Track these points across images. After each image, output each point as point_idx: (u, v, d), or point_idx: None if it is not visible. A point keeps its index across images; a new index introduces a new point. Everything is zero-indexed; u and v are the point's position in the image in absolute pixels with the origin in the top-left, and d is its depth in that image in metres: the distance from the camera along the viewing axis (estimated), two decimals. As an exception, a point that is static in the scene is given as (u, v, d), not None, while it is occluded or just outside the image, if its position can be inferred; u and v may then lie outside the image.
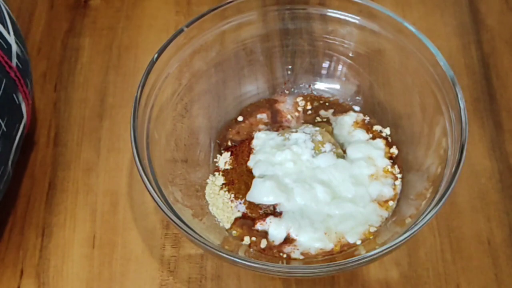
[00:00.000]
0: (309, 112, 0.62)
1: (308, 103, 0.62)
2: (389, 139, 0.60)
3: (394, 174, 0.58)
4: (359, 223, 0.55)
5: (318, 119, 0.61)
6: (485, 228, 0.57)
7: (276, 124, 0.61)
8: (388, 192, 0.57)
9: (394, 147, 0.59)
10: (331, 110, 0.62)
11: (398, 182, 0.58)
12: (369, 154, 0.58)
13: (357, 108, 0.62)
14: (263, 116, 0.62)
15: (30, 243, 0.58)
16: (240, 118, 0.62)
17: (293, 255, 0.54)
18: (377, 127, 0.61)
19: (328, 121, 0.61)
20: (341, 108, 0.62)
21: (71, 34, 0.69)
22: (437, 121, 0.56)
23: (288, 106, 0.62)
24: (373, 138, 0.60)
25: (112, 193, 0.60)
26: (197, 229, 0.51)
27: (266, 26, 0.61)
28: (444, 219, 0.58)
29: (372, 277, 0.56)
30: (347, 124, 0.61)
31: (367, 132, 0.60)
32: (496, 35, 0.68)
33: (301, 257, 0.54)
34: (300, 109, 0.62)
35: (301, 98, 0.63)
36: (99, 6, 0.71)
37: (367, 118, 0.61)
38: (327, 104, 0.62)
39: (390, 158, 0.59)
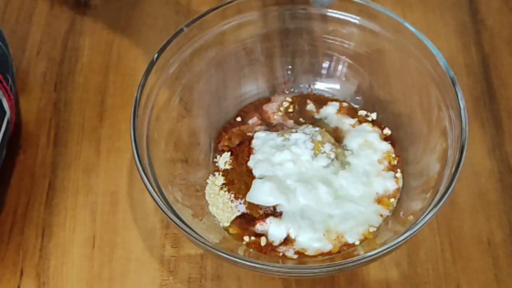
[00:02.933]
0: (291, 113, 0.62)
1: (291, 105, 0.62)
2: (378, 121, 0.60)
3: (393, 166, 0.58)
4: (359, 223, 0.55)
5: (302, 119, 0.61)
6: (485, 228, 0.57)
7: (269, 125, 0.61)
8: (391, 185, 0.57)
9: (387, 128, 0.60)
10: (311, 101, 0.62)
11: (399, 175, 0.58)
12: (366, 138, 0.59)
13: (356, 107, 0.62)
14: (254, 120, 0.62)
15: (30, 243, 0.58)
16: (239, 119, 0.62)
17: (288, 254, 0.54)
18: (362, 112, 0.61)
19: (319, 119, 0.61)
20: (320, 101, 0.62)
21: (71, 34, 0.69)
22: (437, 121, 0.56)
23: (273, 107, 0.62)
24: (359, 123, 0.60)
25: (112, 193, 0.60)
26: (197, 229, 0.51)
27: (266, 26, 0.61)
28: (444, 219, 0.58)
29: (372, 277, 0.55)
30: (332, 113, 0.61)
31: (352, 117, 0.61)
32: (496, 35, 0.68)
33: (295, 256, 0.54)
34: (282, 109, 0.62)
35: (289, 98, 0.63)
36: (99, 6, 0.71)
37: (349, 104, 0.62)
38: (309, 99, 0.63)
39: (385, 140, 0.59)
